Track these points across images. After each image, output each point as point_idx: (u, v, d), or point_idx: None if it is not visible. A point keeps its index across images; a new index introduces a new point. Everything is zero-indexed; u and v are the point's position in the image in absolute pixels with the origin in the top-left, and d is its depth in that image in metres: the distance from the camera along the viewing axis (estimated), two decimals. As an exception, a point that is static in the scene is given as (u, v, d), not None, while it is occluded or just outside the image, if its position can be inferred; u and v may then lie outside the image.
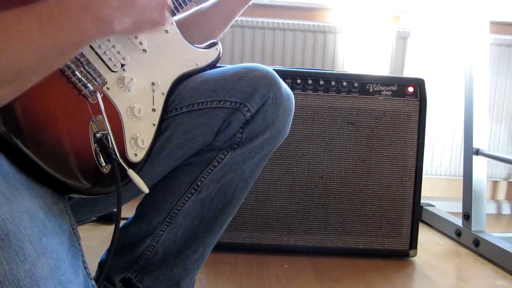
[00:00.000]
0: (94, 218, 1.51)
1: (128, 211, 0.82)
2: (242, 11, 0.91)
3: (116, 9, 0.54)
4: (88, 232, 1.42)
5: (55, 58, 0.52)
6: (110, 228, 1.48)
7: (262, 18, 1.89)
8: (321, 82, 1.34)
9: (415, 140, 1.37)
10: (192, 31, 0.81)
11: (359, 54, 1.95)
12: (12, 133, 0.53)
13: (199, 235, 0.82)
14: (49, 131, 0.57)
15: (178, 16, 0.88)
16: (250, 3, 0.90)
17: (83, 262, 0.59)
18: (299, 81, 1.34)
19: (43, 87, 0.58)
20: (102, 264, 0.87)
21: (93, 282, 0.61)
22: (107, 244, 0.85)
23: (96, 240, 1.35)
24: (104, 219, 1.53)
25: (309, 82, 1.34)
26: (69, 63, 0.61)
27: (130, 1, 0.56)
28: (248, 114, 0.75)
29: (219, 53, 0.79)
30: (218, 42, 0.80)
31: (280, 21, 1.90)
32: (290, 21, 1.90)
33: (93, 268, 0.62)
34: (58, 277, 0.51)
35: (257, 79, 0.76)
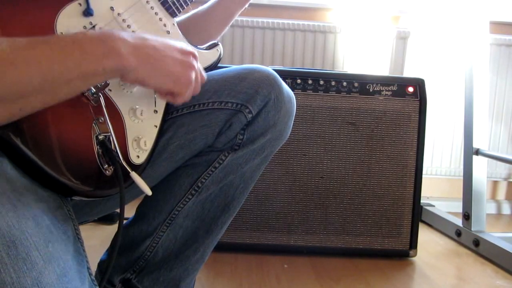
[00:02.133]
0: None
1: (128, 211, 0.82)
2: (240, 12, 0.91)
3: (131, 46, 0.54)
4: (88, 232, 1.42)
5: (60, 85, 0.50)
6: (111, 228, 1.49)
7: (262, 18, 1.89)
8: (321, 82, 1.34)
9: (415, 140, 1.37)
10: (191, 33, 0.81)
11: (359, 54, 1.95)
12: (14, 134, 0.53)
13: (199, 236, 0.82)
14: (51, 132, 0.57)
15: (178, 19, 0.89)
16: (247, 5, 0.90)
17: (88, 268, 0.59)
18: (299, 81, 1.34)
19: None
20: (102, 265, 0.87)
21: None
22: (107, 244, 0.85)
23: (96, 240, 1.35)
24: (104, 219, 1.53)
25: (309, 82, 1.34)
26: None
27: (148, 42, 0.56)
28: (250, 115, 0.75)
29: (220, 54, 0.79)
30: (219, 43, 0.79)
31: (280, 21, 1.90)
32: (290, 21, 1.90)
33: (93, 268, 0.62)
34: (65, 285, 0.51)
35: (259, 81, 0.76)
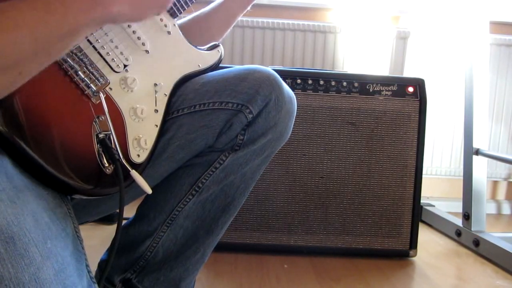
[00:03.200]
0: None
1: (128, 211, 0.82)
2: (242, 15, 0.91)
3: None
4: (88, 232, 1.42)
5: (53, 43, 0.50)
6: (111, 228, 1.49)
7: (262, 18, 1.89)
8: (321, 82, 1.34)
9: (415, 140, 1.37)
10: (193, 35, 0.81)
11: (359, 54, 1.95)
12: (14, 132, 0.53)
13: (200, 236, 0.82)
14: (52, 130, 0.57)
15: (179, 22, 0.89)
16: (249, 7, 0.90)
17: (87, 266, 0.59)
18: (299, 81, 1.34)
19: (45, 86, 0.58)
20: (102, 264, 0.87)
21: (96, 286, 0.61)
22: (107, 244, 0.85)
23: (96, 240, 1.35)
24: (104, 219, 1.53)
25: (309, 82, 1.34)
26: (72, 63, 0.61)
27: None
28: (250, 116, 0.75)
29: (221, 55, 0.79)
30: (220, 44, 0.80)
31: (280, 21, 1.90)
32: (290, 21, 1.90)
33: (93, 268, 0.62)
34: (63, 281, 0.51)
35: (259, 81, 0.76)
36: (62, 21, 0.50)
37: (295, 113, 0.82)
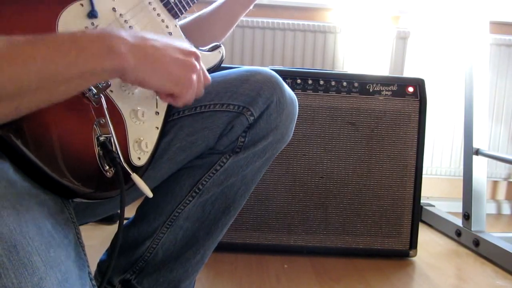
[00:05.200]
0: (94, 219, 1.51)
1: (128, 211, 0.82)
2: (244, 14, 0.90)
3: (131, 45, 0.52)
4: (88, 232, 1.42)
5: (57, 84, 0.49)
6: (110, 228, 1.49)
7: (262, 18, 1.89)
8: (321, 82, 1.34)
9: (415, 140, 1.37)
10: (195, 36, 0.81)
11: (359, 54, 1.95)
12: (13, 134, 0.53)
13: (200, 238, 0.82)
14: (51, 133, 0.57)
15: (180, 22, 0.88)
16: (251, 7, 0.90)
17: (89, 273, 0.58)
18: (299, 81, 1.34)
19: None
20: (101, 265, 0.87)
21: None
22: (107, 244, 0.85)
23: (96, 240, 1.35)
24: (104, 219, 1.53)
25: (309, 82, 1.34)
26: None
27: (148, 42, 0.55)
28: (251, 118, 0.75)
29: (222, 56, 0.78)
30: (221, 45, 0.79)
31: (280, 21, 1.90)
32: (290, 21, 1.90)
33: (92, 268, 0.62)
34: None
35: (261, 83, 0.75)
36: (72, 64, 0.49)
37: (297, 116, 0.82)
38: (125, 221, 0.85)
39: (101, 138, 0.61)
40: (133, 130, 0.66)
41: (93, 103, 0.62)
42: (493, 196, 2.16)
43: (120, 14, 0.66)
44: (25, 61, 0.46)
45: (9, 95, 0.46)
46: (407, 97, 1.37)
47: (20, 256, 0.46)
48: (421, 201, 1.50)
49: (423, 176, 1.39)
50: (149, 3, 0.70)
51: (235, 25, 0.91)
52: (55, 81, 0.49)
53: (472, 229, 1.52)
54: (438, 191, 2.09)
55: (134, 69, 0.53)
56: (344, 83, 1.35)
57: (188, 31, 0.76)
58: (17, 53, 0.46)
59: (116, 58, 0.51)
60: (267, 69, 0.78)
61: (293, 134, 0.83)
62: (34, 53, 0.47)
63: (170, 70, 0.58)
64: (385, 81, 1.37)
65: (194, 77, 0.61)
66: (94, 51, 0.50)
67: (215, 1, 0.90)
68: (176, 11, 0.73)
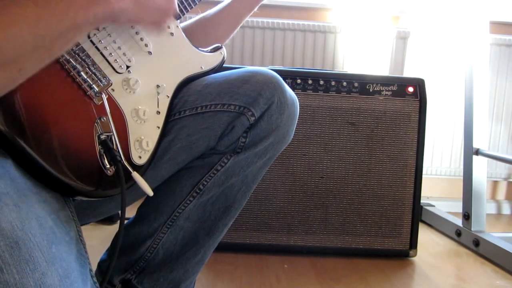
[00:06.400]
0: (94, 219, 1.51)
1: (129, 211, 0.82)
2: (248, 16, 0.90)
3: None
4: (89, 232, 1.42)
5: (53, 39, 0.50)
6: (111, 228, 1.49)
7: (262, 18, 1.89)
8: (321, 82, 1.34)
9: (415, 140, 1.37)
10: (198, 37, 0.81)
11: (359, 54, 1.95)
12: (15, 132, 0.53)
13: (200, 238, 0.82)
14: (53, 131, 0.57)
15: (183, 24, 0.88)
16: (256, 8, 0.89)
17: (90, 270, 0.59)
18: (299, 81, 1.34)
19: (47, 86, 0.58)
20: (102, 265, 0.87)
21: None
22: (107, 244, 0.85)
23: (96, 240, 1.35)
24: (104, 219, 1.52)
25: (309, 82, 1.34)
26: (74, 63, 0.61)
27: None
28: (252, 118, 0.75)
29: (224, 57, 0.78)
30: (223, 46, 0.79)
31: (280, 21, 1.90)
32: (290, 21, 1.90)
33: (93, 268, 0.62)
34: (68, 287, 0.50)
35: (262, 83, 0.75)
36: (63, 17, 0.49)
37: (298, 116, 0.82)
38: (125, 221, 0.85)
39: (102, 136, 0.62)
40: (134, 128, 0.67)
41: (95, 101, 0.62)
42: (493, 196, 2.16)
43: None
44: (16, 21, 0.46)
45: (8, 58, 0.47)
46: (407, 97, 1.37)
47: (22, 252, 0.47)
48: (421, 201, 1.50)
49: (423, 176, 1.39)
50: None
51: (239, 27, 0.91)
52: (50, 37, 0.49)
53: (472, 229, 1.52)
54: (438, 191, 2.09)
55: (125, 11, 0.55)
56: (344, 83, 1.35)
57: (192, 32, 0.76)
58: (5, 14, 0.46)
59: (106, 4, 0.52)
60: (268, 70, 0.78)
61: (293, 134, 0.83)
62: (24, 13, 0.47)
63: (157, 3, 0.60)
64: (385, 81, 1.37)
65: (176, 4, 0.64)
66: (82, 2, 0.50)
67: (218, 2, 0.90)
68: (177, 12, 0.73)
